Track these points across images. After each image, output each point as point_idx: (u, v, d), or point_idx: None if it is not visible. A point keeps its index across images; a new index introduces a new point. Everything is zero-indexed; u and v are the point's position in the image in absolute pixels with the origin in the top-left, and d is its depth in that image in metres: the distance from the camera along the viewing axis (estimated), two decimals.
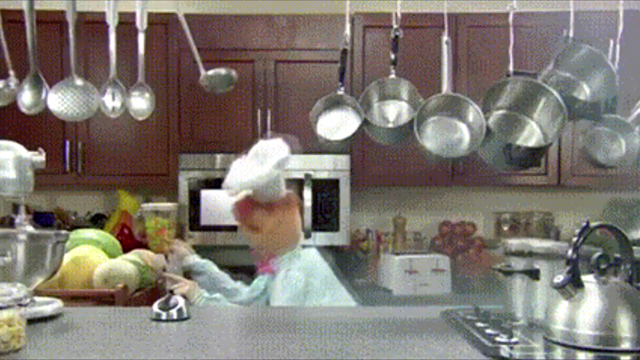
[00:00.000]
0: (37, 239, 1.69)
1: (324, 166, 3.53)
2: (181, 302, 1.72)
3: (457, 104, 1.76)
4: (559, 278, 1.36)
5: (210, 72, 2.05)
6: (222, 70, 2.07)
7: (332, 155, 3.52)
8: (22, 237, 1.64)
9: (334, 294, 2.27)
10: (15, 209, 1.77)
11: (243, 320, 1.76)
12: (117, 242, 2.53)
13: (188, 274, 2.64)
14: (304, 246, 2.41)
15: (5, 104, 1.97)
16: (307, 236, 3.27)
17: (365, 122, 1.73)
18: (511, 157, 1.68)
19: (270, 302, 2.33)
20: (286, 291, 2.21)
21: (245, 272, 2.95)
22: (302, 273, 2.24)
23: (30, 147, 1.84)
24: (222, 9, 3.78)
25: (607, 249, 1.43)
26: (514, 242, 1.67)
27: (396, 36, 1.77)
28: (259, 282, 2.51)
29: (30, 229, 1.72)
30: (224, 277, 2.53)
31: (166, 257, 3.15)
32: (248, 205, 2.27)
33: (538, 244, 1.63)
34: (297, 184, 3.54)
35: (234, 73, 2.08)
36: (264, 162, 2.14)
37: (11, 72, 1.98)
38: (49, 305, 1.69)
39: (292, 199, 2.34)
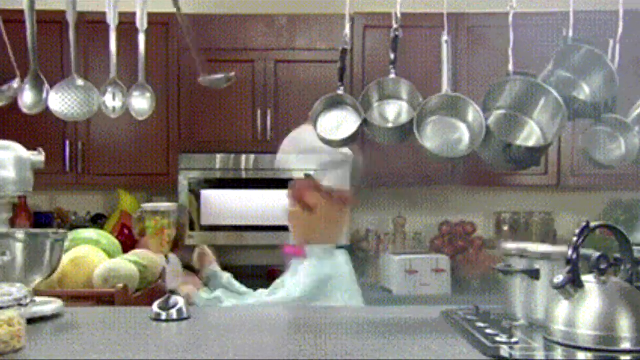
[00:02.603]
0: (35, 238, 1.69)
1: None
2: (181, 302, 1.72)
3: (457, 103, 1.75)
4: (559, 278, 1.36)
5: (212, 77, 2.07)
6: (220, 75, 2.08)
7: None
8: (21, 236, 1.64)
9: (349, 302, 2.28)
10: None
11: (243, 320, 1.75)
12: (117, 242, 2.52)
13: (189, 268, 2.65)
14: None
15: (5, 104, 1.97)
16: None
17: (365, 122, 1.73)
18: (511, 157, 1.68)
19: (288, 283, 2.32)
20: (309, 279, 2.22)
21: (245, 272, 2.96)
22: (332, 270, 2.26)
23: (30, 147, 1.84)
24: (222, 9, 3.77)
25: (606, 249, 1.43)
26: (512, 246, 1.67)
27: (396, 36, 1.76)
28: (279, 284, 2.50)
29: None
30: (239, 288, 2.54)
31: (166, 257, 3.15)
32: (309, 185, 2.35)
33: (536, 248, 1.63)
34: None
35: (231, 74, 2.09)
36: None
37: (17, 73, 1.98)
38: (49, 306, 1.69)
39: (349, 197, 2.38)
